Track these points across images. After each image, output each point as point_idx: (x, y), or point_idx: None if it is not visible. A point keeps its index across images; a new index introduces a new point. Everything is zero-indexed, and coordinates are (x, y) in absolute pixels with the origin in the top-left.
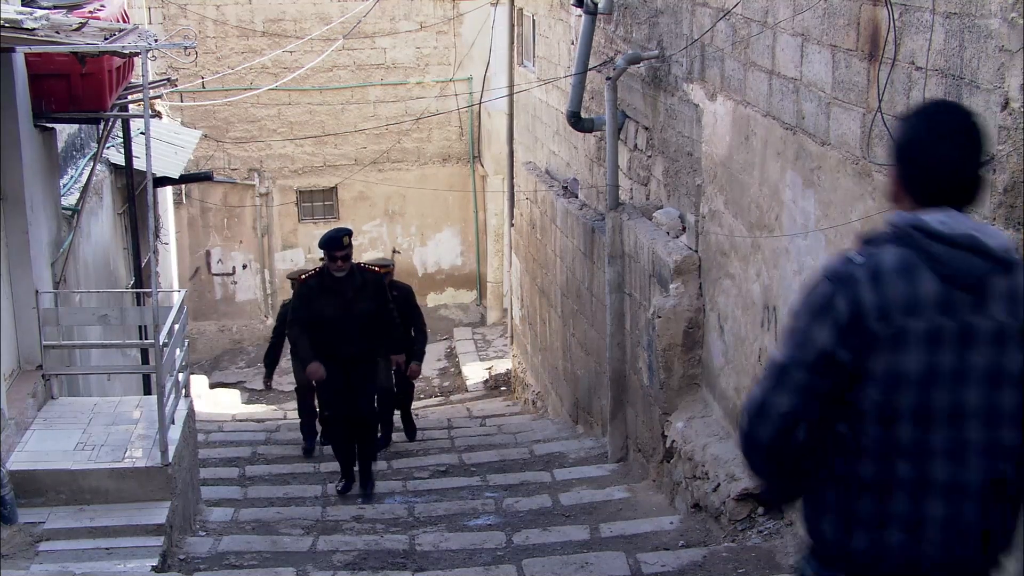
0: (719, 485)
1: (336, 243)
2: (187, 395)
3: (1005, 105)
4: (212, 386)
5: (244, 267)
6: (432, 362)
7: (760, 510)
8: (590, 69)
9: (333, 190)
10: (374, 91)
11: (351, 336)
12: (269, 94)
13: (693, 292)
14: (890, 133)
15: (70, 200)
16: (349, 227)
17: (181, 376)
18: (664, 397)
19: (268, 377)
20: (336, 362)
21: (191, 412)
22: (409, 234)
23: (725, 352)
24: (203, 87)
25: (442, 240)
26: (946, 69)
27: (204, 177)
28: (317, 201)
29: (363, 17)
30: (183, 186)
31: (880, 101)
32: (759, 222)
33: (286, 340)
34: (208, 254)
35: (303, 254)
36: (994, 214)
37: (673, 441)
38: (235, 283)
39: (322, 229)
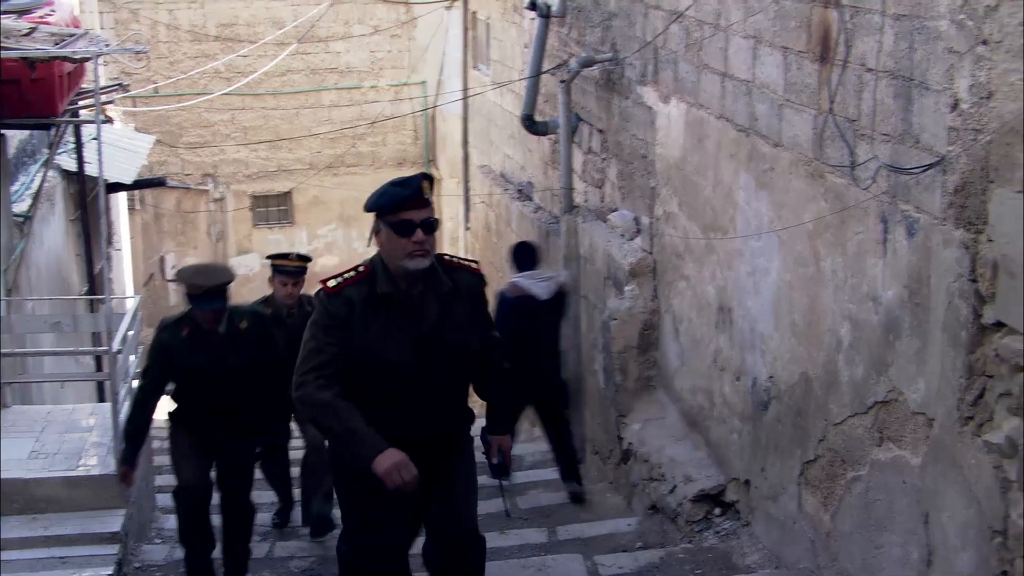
0: (676, 487)
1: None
2: None
3: (955, 106)
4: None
5: None
6: None
7: (717, 510)
8: (544, 72)
9: (288, 195)
10: (328, 95)
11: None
12: (223, 99)
13: (648, 294)
14: (841, 134)
15: (21, 207)
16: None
17: (135, 383)
18: (620, 399)
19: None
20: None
21: None
22: (365, 238)
23: (681, 354)
24: (156, 92)
25: None
26: (896, 71)
27: (158, 183)
28: (272, 206)
29: (317, 21)
30: (137, 192)
31: (831, 103)
32: (713, 224)
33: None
34: (162, 260)
35: (258, 259)
36: (945, 214)
37: (630, 443)
38: None
39: (277, 235)
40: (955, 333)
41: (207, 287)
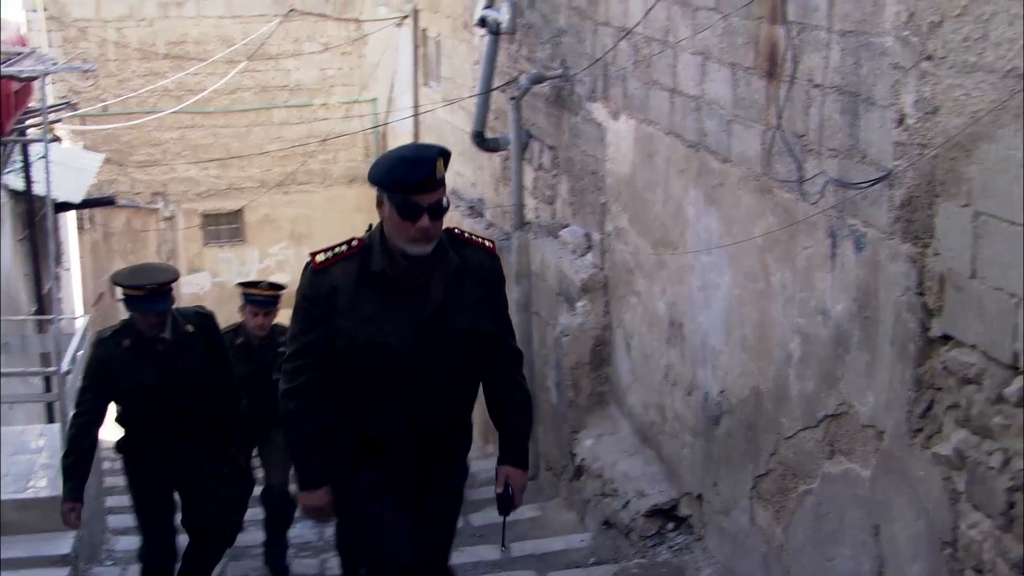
0: (629, 502)
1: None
2: None
3: (900, 121)
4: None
5: None
6: None
7: (670, 525)
8: (494, 89)
9: (239, 213)
10: (279, 113)
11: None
12: (172, 117)
13: (600, 310)
14: (790, 150)
15: None
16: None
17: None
18: (573, 415)
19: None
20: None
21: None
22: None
23: (632, 369)
24: (105, 111)
25: None
26: (843, 86)
27: (107, 202)
28: (223, 224)
29: (267, 39)
30: (86, 211)
31: (780, 118)
32: (663, 239)
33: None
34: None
35: (209, 278)
36: (892, 228)
37: (583, 459)
38: None
39: (228, 253)
40: (903, 346)
41: (150, 286)
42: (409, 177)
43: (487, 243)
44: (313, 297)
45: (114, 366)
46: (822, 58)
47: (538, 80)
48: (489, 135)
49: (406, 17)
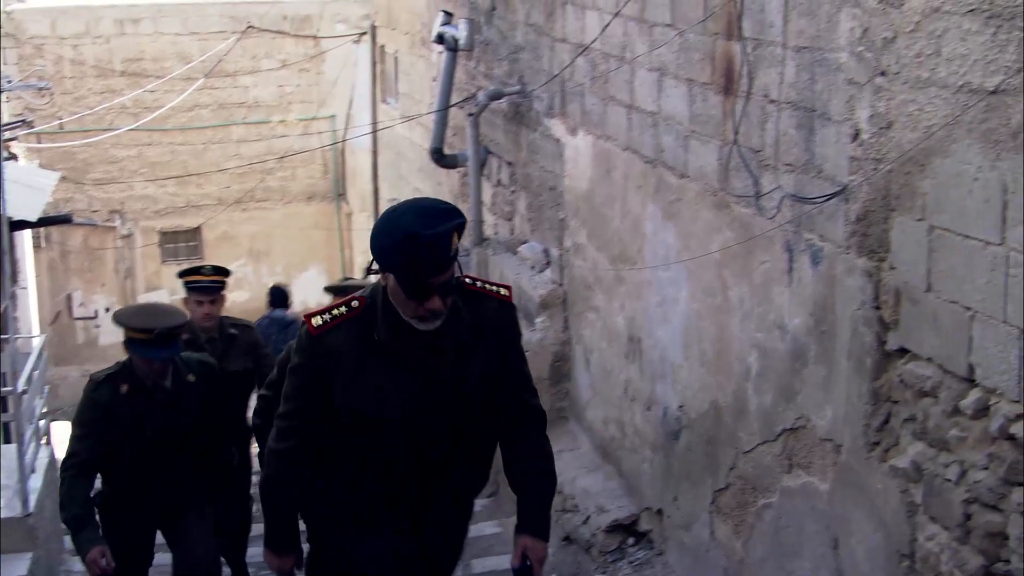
0: (589, 517)
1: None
2: (48, 443)
3: (855, 136)
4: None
5: (107, 310)
6: None
7: (631, 540)
8: (452, 105)
9: (197, 230)
10: (237, 130)
11: None
12: (130, 135)
13: (559, 326)
14: (746, 165)
15: None
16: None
17: (42, 423)
18: None
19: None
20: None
21: (53, 460)
22: (275, 273)
23: (592, 384)
24: (61, 128)
25: (308, 279)
26: (798, 102)
27: (63, 220)
28: (181, 242)
29: (224, 56)
30: (42, 229)
31: (736, 134)
32: (622, 255)
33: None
34: (69, 298)
35: (167, 296)
36: (848, 243)
37: None
38: (98, 327)
39: None
40: (860, 360)
41: (159, 330)
42: (421, 265)
43: (502, 291)
44: (309, 363)
45: (110, 414)
46: (777, 74)
47: (496, 96)
48: (447, 151)
49: (364, 34)
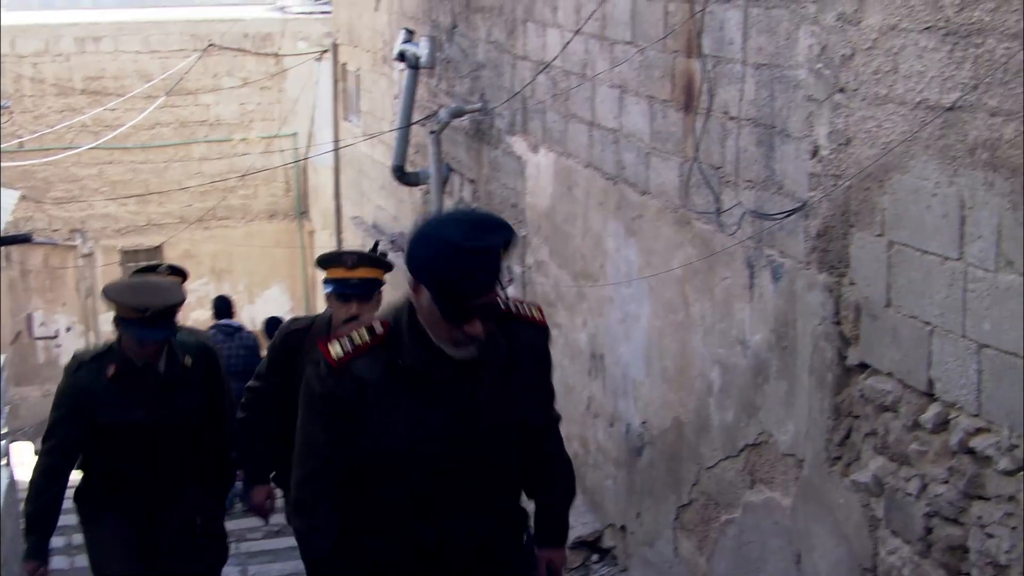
0: None
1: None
2: (8, 464)
3: (815, 153)
4: (37, 453)
5: (68, 330)
6: None
7: (594, 557)
8: (414, 123)
9: (158, 249)
10: (198, 148)
11: None
12: (90, 153)
13: None
14: (707, 182)
15: None
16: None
17: (1, 444)
18: None
19: None
20: None
21: (12, 482)
22: (237, 291)
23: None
24: (21, 147)
25: (271, 297)
26: (758, 119)
27: (23, 239)
28: (142, 260)
29: (185, 74)
30: (2, 248)
31: (697, 151)
32: (584, 271)
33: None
34: (30, 317)
35: None
36: (808, 259)
37: None
38: (59, 346)
39: None
40: (821, 375)
41: (155, 308)
42: (464, 282)
43: (535, 314)
44: (335, 397)
45: (94, 398)
46: (737, 91)
47: (457, 114)
48: (409, 169)
49: (325, 51)
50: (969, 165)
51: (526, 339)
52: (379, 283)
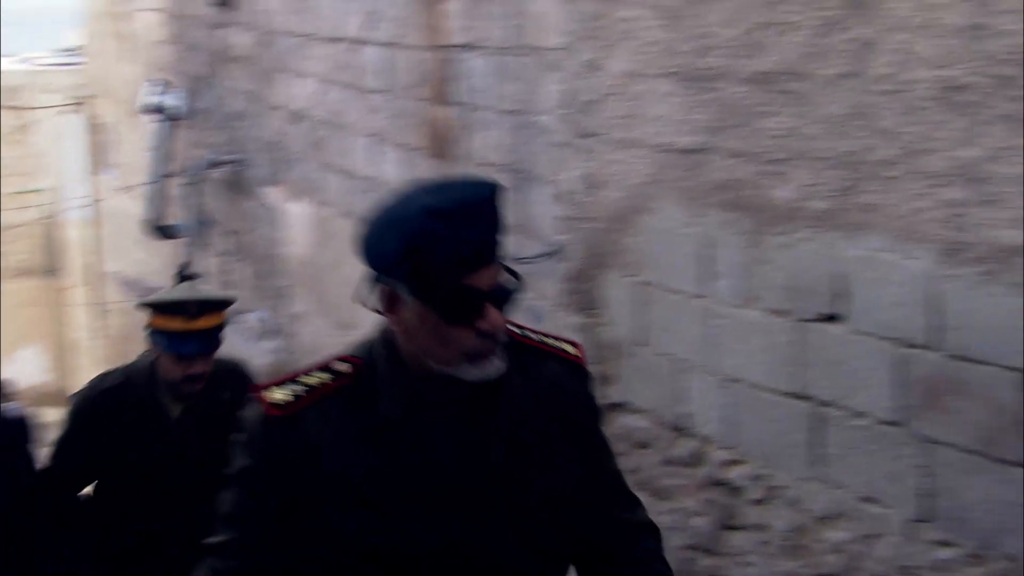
0: None
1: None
2: None
3: (564, 196)
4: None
5: None
6: None
7: None
8: (167, 176)
9: None
10: None
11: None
12: None
13: None
14: None
15: None
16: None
17: None
18: None
19: None
20: None
21: None
22: None
23: None
24: None
25: (26, 358)
26: (511, 163)
27: None
28: None
29: None
30: None
31: None
32: (348, 321)
33: None
34: None
35: None
36: (562, 300)
37: None
38: None
39: None
40: None
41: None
42: (462, 248)
43: (568, 348)
44: (265, 468)
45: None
46: (489, 137)
47: (213, 165)
48: (170, 221)
49: (79, 103)
50: (712, 205)
51: (555, 378)
52: (222, 328)
